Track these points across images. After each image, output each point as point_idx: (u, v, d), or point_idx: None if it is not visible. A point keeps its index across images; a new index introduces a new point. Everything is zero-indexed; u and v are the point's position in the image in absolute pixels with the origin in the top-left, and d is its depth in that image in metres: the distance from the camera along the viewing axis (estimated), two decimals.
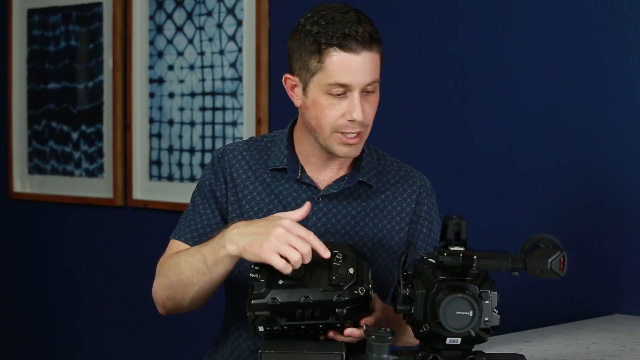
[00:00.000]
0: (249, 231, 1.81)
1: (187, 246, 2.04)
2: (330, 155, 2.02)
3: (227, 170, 2.08)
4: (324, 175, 2.07)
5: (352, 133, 1.96)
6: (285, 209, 2.03)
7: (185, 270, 1.93)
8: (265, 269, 1.80)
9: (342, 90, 1.93)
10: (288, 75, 2.02)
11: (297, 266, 1.77)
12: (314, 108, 1.97)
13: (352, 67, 1.92)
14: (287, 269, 1.76)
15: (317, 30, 1.93)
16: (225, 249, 1.84)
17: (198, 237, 2.05)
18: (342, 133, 1.96)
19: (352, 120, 1.94)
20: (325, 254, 1.78)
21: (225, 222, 2.07)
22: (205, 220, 2.06)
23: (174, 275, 1.96)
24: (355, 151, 2.00)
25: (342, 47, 1.91)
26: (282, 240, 1.76)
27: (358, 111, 1.93)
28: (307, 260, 1.77)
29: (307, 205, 1.85)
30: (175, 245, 2.07)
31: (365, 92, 1.95)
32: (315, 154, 2.04)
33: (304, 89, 1.98)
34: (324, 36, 1.92)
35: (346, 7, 1.96)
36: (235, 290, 2.09)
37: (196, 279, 1.92)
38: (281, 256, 1.76)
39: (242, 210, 2.05)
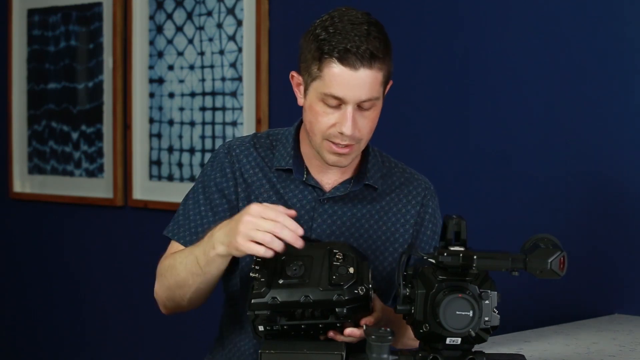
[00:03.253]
0: (227, 229, 1.84)
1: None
2: None
3: (235, 166, 2.06)
4: (328, 178, 2.06)
5: (341, 144, 1.95)
6: None
7: (181, 272, 1.96)
8: (266, 268, 1.80)
9: (336, 102, 1.92)
10: (294, 74, 2.02)
11: (278, 248, 1.76)
12: (309, 112, 1.97)
13: (348, 81, 1.90)
14: (267, 253, 1.76)
15: (323, 37, 1.91)
16: (215, 250, 1.86)
17: (197, 241, 2.03)
18: (332, 142, 1.95)
19: (342, 133, 1.93)
20: (298, 243, 1.77)
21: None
22: (206, 224, 2.05)
23: (171, 277, 1.99)
24: (344, 161, 1.98)
25: (341, 60, 1.89)
26: (250, 227, 1.78)
27: (348, 126, 1.91)
28: (286, 237, 1.76)
29: (292, 212, 1.83)
30: (175, 246, 2.08)
31: (361, 107, 1.93)
32: (317, 156, 2.03)
33: (305, 91, 1.98)
34: (327, 45, 1.90)
35: (361, 18, 1.93)
36: (234, 291, 2.08)
37: (191, 280, 1.94)
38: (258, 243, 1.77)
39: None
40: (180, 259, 1.97)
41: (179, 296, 2.00)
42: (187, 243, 2.05)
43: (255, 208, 1.80)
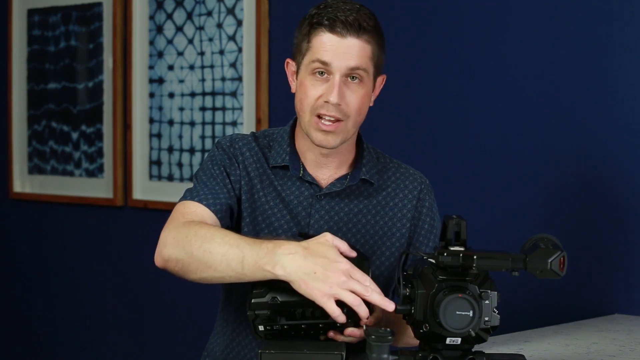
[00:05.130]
0: (307, 266, 1.73)
1: (208, 211, 1.96)
2: (319, 148, 2.02)
3: (239, 158, 2.06)
4: (323, 174, 2.07)
5: (329, 118, 1.95)
6: (287, 207, 2.04)
7: (216, 256, 1.81)
8: None
9: (323, 68, 1.95)
10: (289, 60, 2.06)
11: (364, 314, 1.72)
12: (300, 89, 2.00)
13: (335, 47, 1.94)
14: (341, 317, 1.72)
15: (313, 13, 1.98)
16: (274, 271, 1.74)
17: (220, 205, 1.97)
18: (319, 117, 1.96)
19: (328, 102, 1.94)
20: (390, 306, 1.72)
21: (237, 209, 2.03)
22: (226, 191, 2.00)
23: (200, 250, 1.83)
24: (331, 140, 1.98)
25: (329, 28, 1.94)
26: (343, 287, 1.71)
27: (334, 94, 1.94)
28: (376, 300, 1.72)
29: (347, 248, 1.79)
30: (193, 207, 1.97)
31: (348, 78, 1.96)
32: (311, 149, 2.04)
33: (297, 72, 2.02)
34: (316, 18, 1.96)
35: (355, 1, 2.00)
36: (232, 287, 2.08)
37: (223, 269, 1.81)
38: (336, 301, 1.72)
39: (253, 200, 2.05)
40: (221, 242, 1.82)
41: (195, 269, 1.85)
42: (210, 206, 1.96)
43: (345, 266, 1.73)
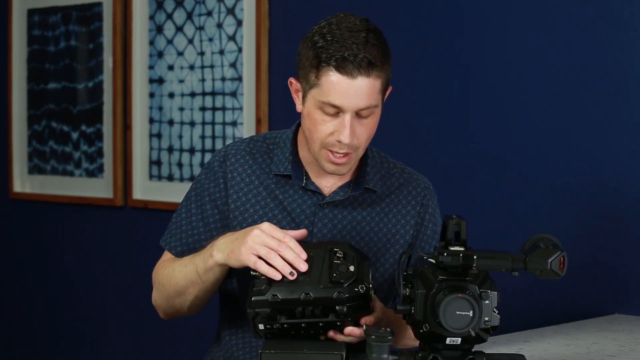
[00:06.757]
0: (232, 238, 1.87)
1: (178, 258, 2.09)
2: None
3: (227, 176, 2.06)
4: (327, 181, 2.05)
5: (340, 153, 1.94)
6: (290, 215, 2.03)
7: (180, 281, 1.99)
8: None
9: (335, 110, 1.91)
10: (292, 80, 2.01)
11: (281, 268, 1.78)
12: (308, 119, 1.96)
13: (346, 90, 1.89)
14: (271, 271, 1.78)
15: (320, 45, 1.90)
16: (213, 258, 1.89)
17: (188, 252, 2.07)
18: (330, 151, 1.94)
19: (340, 142, 1.92)
20: (302, 267, 1.79)
21: (225, 227, 2.06)
22: (196, 235, 2.07)
23: (170, 286, 2.02)
24: (343, 169, 1.98)
25: (339, 69, 1.88)
26: (257, 241, 1.81)
27: (346, 134, 1.91)
28: (288, 257, 1.79)
29: (304, 231, 1.88)
30: (168, 255, 2.12)
31: (359, 115, 1.92)
32: (315, 161, 2.02)
33: (303, 98, 1.97)
34: (324, 53, 1.89)
35: (360, 25, 1.91)
36: (232, 289, 2.08)
37: (191, 288, 1.98)
38: (262, 259, 1.81)
39: (247, 215, 2.04)
40: (180, 268, 2.00)
41: (179, 304, 2.04)
42: (178, 254, 2.08)
43: (266, 225, 1.84)
